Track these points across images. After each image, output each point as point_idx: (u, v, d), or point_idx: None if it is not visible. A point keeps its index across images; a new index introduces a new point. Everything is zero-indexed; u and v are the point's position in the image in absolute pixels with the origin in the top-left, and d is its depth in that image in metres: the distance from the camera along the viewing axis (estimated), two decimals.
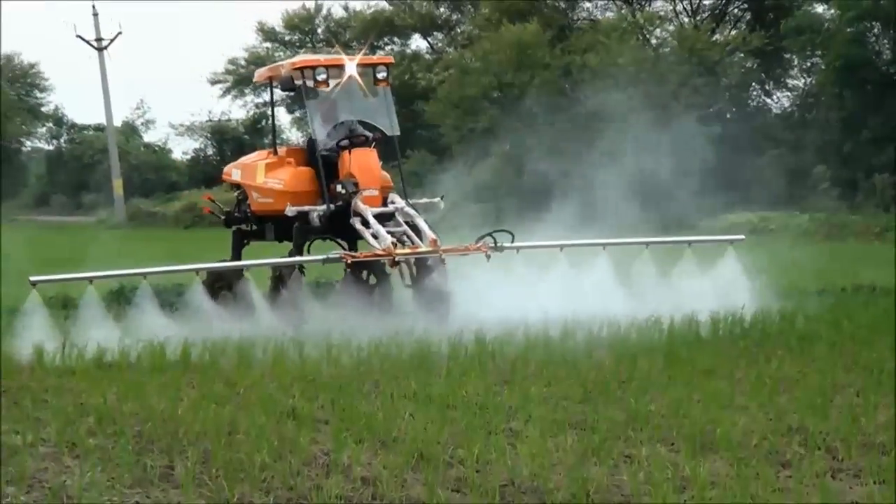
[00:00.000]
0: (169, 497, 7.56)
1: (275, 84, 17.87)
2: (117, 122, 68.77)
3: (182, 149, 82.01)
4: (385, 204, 16.57)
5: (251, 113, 70.39)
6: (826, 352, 12.91)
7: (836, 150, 45.15)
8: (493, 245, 16.22)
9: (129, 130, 74.24)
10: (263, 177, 17.37)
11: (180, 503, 7.35)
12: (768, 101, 54.46)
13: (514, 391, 10.74)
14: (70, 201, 71.03)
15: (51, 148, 77.33)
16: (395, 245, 15.66)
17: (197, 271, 16.06)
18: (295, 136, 69.57)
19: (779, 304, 16.05)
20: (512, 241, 16.48)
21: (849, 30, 46.79)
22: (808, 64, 51.80)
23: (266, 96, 69.32)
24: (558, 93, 51.73)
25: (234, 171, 18.25)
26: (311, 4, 67.69)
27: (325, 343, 13.42)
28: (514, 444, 8.62)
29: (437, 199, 17.63)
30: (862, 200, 41.02)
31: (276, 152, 17.78)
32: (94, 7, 65.22)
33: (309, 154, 17.21)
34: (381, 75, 17.16)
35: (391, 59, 18.29)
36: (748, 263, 17.26)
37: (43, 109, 76.96)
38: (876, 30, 47.04)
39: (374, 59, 17.98)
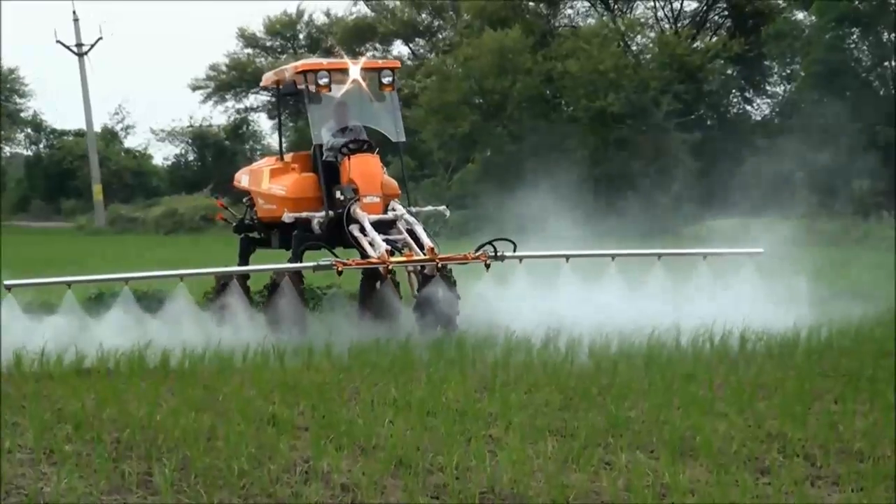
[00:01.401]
0: None
1: (281, 88, 17.54)
2: (97, 128, 68.73)
3: (163, 154, 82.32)
4: (386, 211, 16.15)
5: (232, 119, 70.39)
6: (804, 358, 12.95)
7: (814, 156, 45.27)
8: (493, 254, 15.70)
9: (110, 136, 74.11)
10: (268, 183, 17.03)
11: None
12: (748, 107, 54.73)
13: (493, 398, 10.71)
14: (49, 206, 70.90)
15: (30, 153, 77.14)
16: (390, 253, 15.31)
17: (181, 277, 15.58)
18: (276, 142, 69.63)
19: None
20: (514, 251, 15.95)
21: (827, 36, 46.91)
22: (788, 71, 52.00)
23: (248, 102, 69.66)
24: (540, 98, 51.84)
25: (243, 177, 17.91)
26: (292, 10, 67.74)
27: (306, 349, 13.39)
28: (493, 451, 8.60)
29: (442, 208, 17.25)
30: (841, 207, 41.16)
31: (282, 158, 17.42)
32: (74, 12, 65.28)
33: (314, 160, 16.82)
34: (386, 80, 16.69)
35: (398, 64, 17.78)
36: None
37: (22, 115, 76.68)
38: (855, 36, 47.15)
39: (380, 63, 17.47)
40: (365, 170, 16.19)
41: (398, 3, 63.11)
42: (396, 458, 8.40)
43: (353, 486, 7.74)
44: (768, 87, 54.31)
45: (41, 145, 76.03)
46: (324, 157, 16.55)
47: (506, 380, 11.72)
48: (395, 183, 16.78)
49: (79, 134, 71.82)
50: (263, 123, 72.89)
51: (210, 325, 15.24)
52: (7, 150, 78.33)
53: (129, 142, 76.19)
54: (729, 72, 52.33)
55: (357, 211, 15.82)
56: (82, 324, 14.59)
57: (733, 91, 53.67)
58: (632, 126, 48.87)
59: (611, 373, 11.98)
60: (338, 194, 16.10)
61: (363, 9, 64.50)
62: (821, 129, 46.32)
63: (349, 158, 16.26)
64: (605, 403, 10.32)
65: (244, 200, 17.84)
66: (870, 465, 8.07)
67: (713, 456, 8.38)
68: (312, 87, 16.51)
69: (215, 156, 69.57)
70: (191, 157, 71.28)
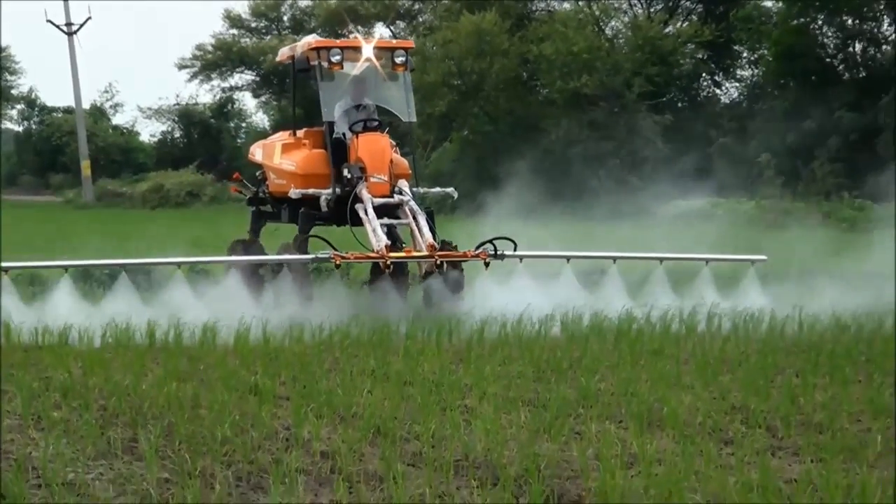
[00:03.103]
0: (132, 469, 7.53)
1: (295, 64, 16.90)
2: (86, 105, 68.43)
3: (149, 131, 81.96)
4: (393, 194, 15.73)
5: (217, 97, 70.10)
6: (767, 334, 13.00)
7: (780, 139, 45.41)
8: (493, 253, 15.32)
9: (98, 113, 73.79)
10: (279, 158, 16.75)
11: (143, 476, 7.31)
12: (717, 91, 54.75)
13: (469, 369, 10.74)
14: (38, 181, 70.60)
15: (20, 129, 76.72)
16: (389, 248, 15.01)
17: (179, 265, 15.25)
18: (260, 120, 69.39)
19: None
20: (514, 250, 15.59)
21: (793, 21, 47.00)
22: (756, 55, 52.08)
23: (233, 81, 69.35)
24: (516, 80, 51.78)
25: (256, 151, 17.66)
26: None
27: (288, 322, 13.37)
28: (468, 421, 8.63)
29: (450, 190, 16.95)
30: (804, 189, 41.32)
31: (295, 133, 17.05)
32: None
33: (325, 137, 16.47)
34: (399, 60, 16.25)
35: (411, 44, 17.11)
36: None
37: (14, 92, 76.26)
38: (820, 21, 47.21)
39: (393, 42, 16.97)
40: (373, 149, 15.85)
41: None
42: (374, 427, 8.42)
43: (333, 454, 7.75)
44: (737, 72, 54.36)
45: (32, 121, 75.64)
46: (333, 135, 16.27)
47: (480, 352, 11.75)
48: (405, 162, 16.47)
49: (68, 111, 71.52)
50: (248, 102, 72.90)
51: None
52: None
53: (117, 119, 76.02)
54: (699, 56, 52.34)
55: (363, 193, 15.49)
56: (80, 306, 14.49)
57: (703, 75, 53.70)
58: (605, 108, 48.86)
59: (582, 347, 12.02)
60: (345, 172, 15.81)
61: None
62: (786, 112, 46.46)
63: (357, 137, 15.97)
64: (576, 376, 10.36)
65: (257, 174, 17.57)
66: (829, 437, 8.12)
67: (679, 427, 8.42)
68: (325, 64, 16.20)
69: (201, 133, 69.32)
70: (177, 134, 71.00)
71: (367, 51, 16.31)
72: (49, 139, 71.42)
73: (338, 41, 16.79)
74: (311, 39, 16.82)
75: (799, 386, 9.89)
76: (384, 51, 16.49)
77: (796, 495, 6.59)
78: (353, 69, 16.44)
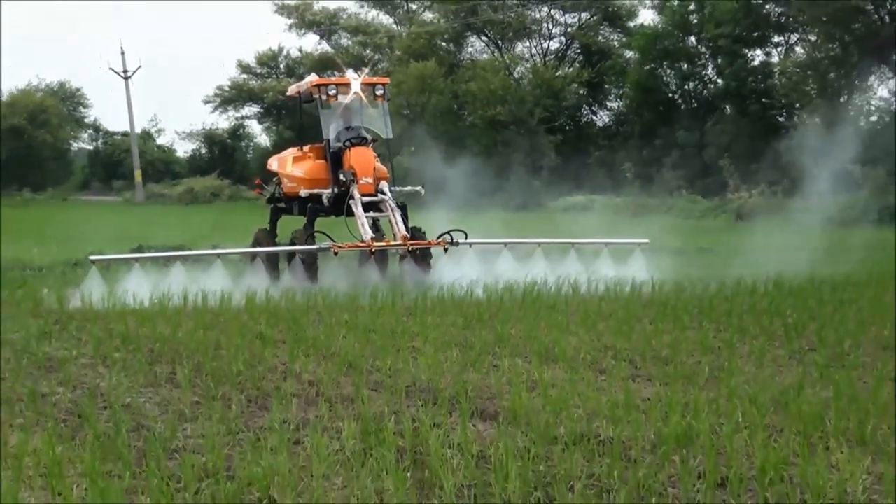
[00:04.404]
0: (172, 395, 7.48)
1: (301, 97, 16.77)
2: (138, 130, 67.70)
3: (183, 149, 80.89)
4: (377, 192, 15.59)
5: (232, 124, 69.52)
6: (630, 294, 13.07)
7: (638, 152, 45.75)
8: (450, 241, 15.17)
9: (146, 136, 72.92)
10: (291, 167, 16.52)
11: (180, 399, 7.25)
12: (594, 117, 54.97)
13: (416, 321, 10.72)
14: (104, 186, 69.88)
15: (90, 148, 75.76)
16: (373, 239, 14.88)
17: (219, 256, 14.71)
18: (264, 141, 68.86)
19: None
20: (466, 238, 15.39)
21: (646, 67, 47.55)
22: (620, 92, 52.38)
23: (243, 112, 68.76)
24: (449, 110, 51.73)
25: (273, 162, 17.30)
26: (275, 47, 67.20)
27: (286, 289, 13.27)
28: (415, 358, 8.62)
29: (418, 188, 16.56)
30: (656, 188, 41.67)
31: (301, 149, 16.79)
32: (121, 47, 64.53)
33: (325, 150, 16.30)
34: (379, 92, 16.14)
35: (387, 80, 16.85)
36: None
37: (85, 121, 75.32)
38: (665, 66, 47.88)
39: (374, 79, 16.58)
40: (361, 158, 15.69)
41: (350, 42, 62.85)
42: (348, 363, 8.40)
43: (317, 382, 7.73)
44: (607, 103, 54.64)
45: (98, 142, 74.71)
46: (331, 149, 16.10)
47: (424, 308, 11.73)
48: (385, 168, 16.26)
49: (124, 134, 70.64)
50: (255, 127, 72.06)
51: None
52: (74, 145, 76.94)
53: (160, 140, 75.07)
54: (581, 92, 52.54)
55: (355, 193, 15.36)
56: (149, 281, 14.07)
57: (584, 106, 53.92)
58: (513, 130, 48.92)
59: (498, 303, 12.03)
60: (341, 176, 15.69)
61: (325, 46, 64.12)
62: (642, 133, 46.86)
63: (349, 150, 15.82)
64: (493, 324, 10.36)
65: (273, 179, 17.25)
66: (672, 368, 8.18)
67: (568, 361, 8.45)
68: (324, 97, 16.05)
69: (220, 150, 68.73)
70: (203, 151, 70.29)
71: (355, 86, 16.13)
72: (111, 155, 70.69)
73: (332, 79, 16.64)
74: (313, 78, 16.61)
75: (652, 331, 9.96)
76: (368, 86, 16.30)
77: (649, 410, 6.63)
78: (345, 100, 16.27)
